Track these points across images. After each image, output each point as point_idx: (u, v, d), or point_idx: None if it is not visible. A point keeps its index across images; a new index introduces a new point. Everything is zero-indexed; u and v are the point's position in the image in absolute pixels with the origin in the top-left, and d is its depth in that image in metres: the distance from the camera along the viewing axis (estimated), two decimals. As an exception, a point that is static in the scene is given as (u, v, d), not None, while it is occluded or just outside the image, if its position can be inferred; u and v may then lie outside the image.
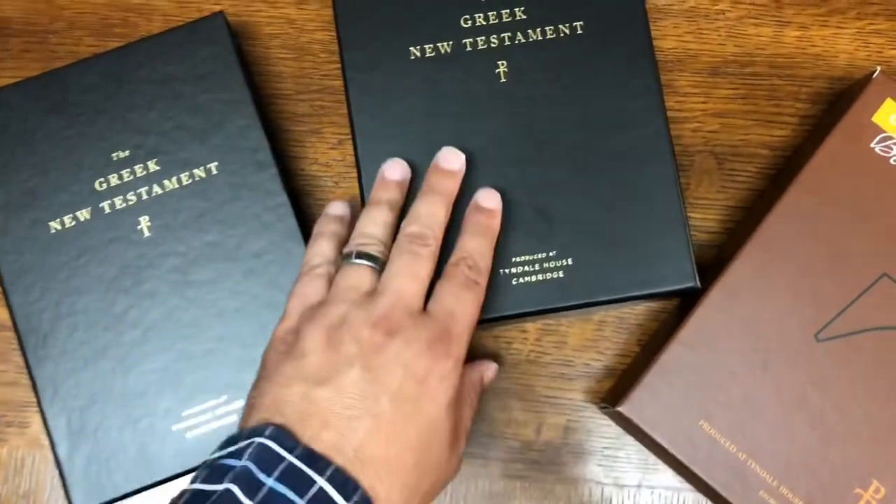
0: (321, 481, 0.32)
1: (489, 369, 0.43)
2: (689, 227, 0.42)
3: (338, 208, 0.43)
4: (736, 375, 0.41)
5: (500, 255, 0.42)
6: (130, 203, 0.43)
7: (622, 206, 0.42)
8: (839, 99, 0.48)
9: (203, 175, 0.43)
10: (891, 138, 0.42)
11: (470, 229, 0.41)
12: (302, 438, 0.33)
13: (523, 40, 0.44)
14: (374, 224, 0.40)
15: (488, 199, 0.41)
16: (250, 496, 0.31)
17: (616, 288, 0.42)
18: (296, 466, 0.32)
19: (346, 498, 0.32)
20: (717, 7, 0.49)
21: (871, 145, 0.42)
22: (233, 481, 0.31)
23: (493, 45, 0.44)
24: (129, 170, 0.43)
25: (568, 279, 0.42)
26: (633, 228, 0.42)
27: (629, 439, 0.46)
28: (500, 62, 0.44)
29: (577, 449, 0.46)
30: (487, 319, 0.42)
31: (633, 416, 0.41)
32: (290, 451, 0.33)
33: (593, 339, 0.47)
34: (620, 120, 0.43)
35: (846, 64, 0.49)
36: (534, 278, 0.42)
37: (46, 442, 0.45)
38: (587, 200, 0.42)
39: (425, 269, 0.38)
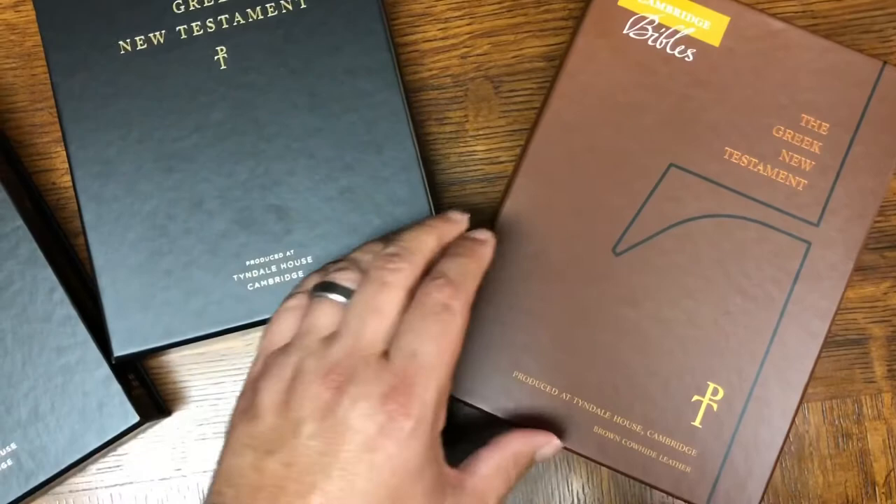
0: None
1: (548, 445, 0.36)
2: (434, 211, 0.40)
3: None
4: (539, 315, 0.38)
5: (232, 259, 0.39)
6: None
7: (363, 194, 0.40)
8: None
9: (-70, 216, 0.40)
10: (644, 18, 0.39)
11: (451, 251, 0.35)
12: None
13: (242, 21, 0.40)
14: (363, 251, 0.35)
15: (481, 232, 0.36)
16: None
17: None
18: None
19: None
20: (462, -84, 0.45)
21: (625, 32, 0.39)
22: None
23: (210, 30, 0.40)
24: None
25: None
26: (375, 217, 0.39)
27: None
28: (218, 48, 0.40)
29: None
30: (221, 331, 0.39)
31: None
32: None
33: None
34: (353, 101, 0.40)
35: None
36: (271, 281, 0.39)
37: None
38: (324, 191, 0.40)
39: (393, 300, 0.32)
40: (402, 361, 0.31)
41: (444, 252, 0.35)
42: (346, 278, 0.34)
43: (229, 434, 0.33)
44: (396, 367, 0.31)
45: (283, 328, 0.34)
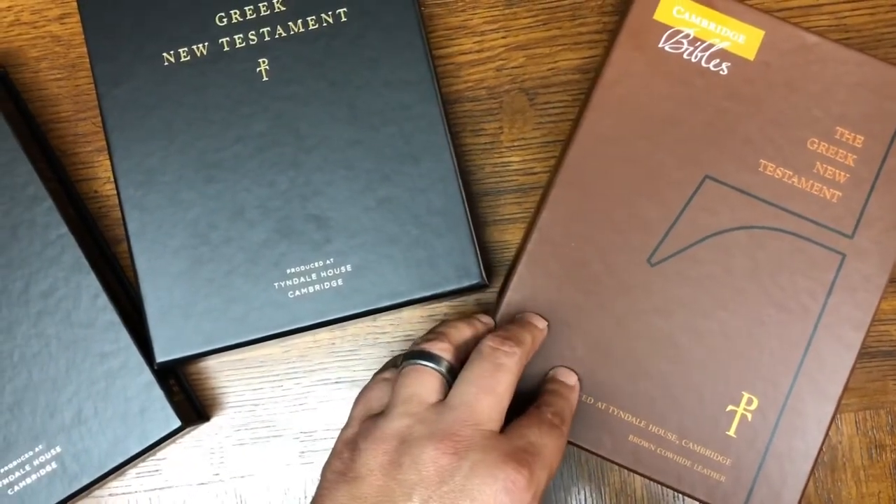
0: None
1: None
2: (470, 221, 0.40)
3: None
4: (574, 325, 0.39)
5: (273, 268, 0.40)
6: None
7: (400, 204, 0.40)
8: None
9: (-24, 222, 0.41)
10: (679, 32, 0.39)
11: (549, 389, 0.37)
12: None
13: (284, 34, 0.41)
14: (451, 326, 0.36)
15: (568, 376, 0.38)
16: None
17: (399, 292, 0.40)
18: None
19: None
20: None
21: (660, 45, 0.39)
22: None
23: (252, 43, 0.41)
24: None
25: (348, 287, 0.40)
26: (413, 227, 0.40)
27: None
28: (260, 60, 0.41)
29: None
30: (263, 338, 0.39)
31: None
32: None
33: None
34: (392, 113, 0.41)
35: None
36: (311, 289, 0.40)
37: None
38: (363, 202, 0.40)
39: (506, 382, 0.33)
40: (523, 444, 0.33)
41: (541, 390, 0.37)
42: (438, 348, 0.35)
43: (322, 495, 0.32)
44: (518, 445, 0.32)
45: (379, 395, 0.35)
